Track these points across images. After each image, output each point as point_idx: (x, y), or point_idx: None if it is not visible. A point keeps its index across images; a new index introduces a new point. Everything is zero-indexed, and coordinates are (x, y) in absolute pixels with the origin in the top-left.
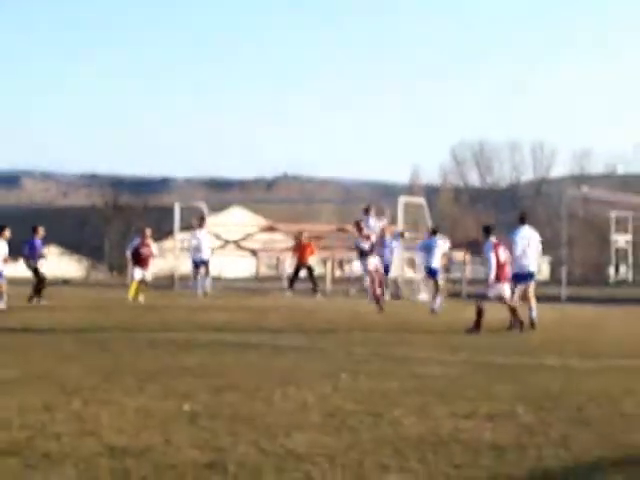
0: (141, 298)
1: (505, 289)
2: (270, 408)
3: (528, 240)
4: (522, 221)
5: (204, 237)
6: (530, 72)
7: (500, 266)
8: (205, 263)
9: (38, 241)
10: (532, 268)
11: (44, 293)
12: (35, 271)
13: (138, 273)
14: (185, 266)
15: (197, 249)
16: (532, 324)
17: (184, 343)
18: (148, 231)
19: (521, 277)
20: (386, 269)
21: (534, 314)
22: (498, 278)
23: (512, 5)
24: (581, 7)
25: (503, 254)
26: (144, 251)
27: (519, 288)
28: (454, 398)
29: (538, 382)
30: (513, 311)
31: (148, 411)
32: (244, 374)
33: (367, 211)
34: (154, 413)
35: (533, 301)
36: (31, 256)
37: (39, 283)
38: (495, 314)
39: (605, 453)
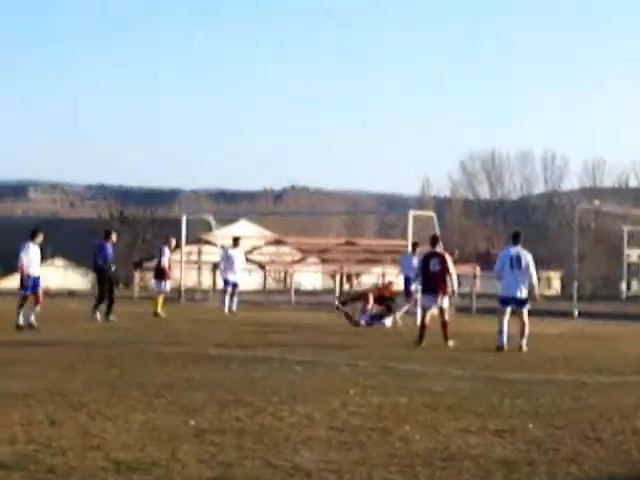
0: (161, 312)
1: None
2: (277, 423)
3: (511, 261)
4: (514, 240)
5: (238, 257)
6: (541, 82)
7: None
8: (235, 285)
9: (109, 246)
10: (517, 293)
11: (114, 309)
12: (101, 277)
13: (169, 286)
14: (192, 279)
15: (229, 268)
16: (519, 349)
17: (191, 357)
18: (173, 242)
19: (504, 301)
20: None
21: (524, 342)
22: None
23: (521, 17)
24: (593, 15)
25: None
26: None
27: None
28: (464, 413)
29: (548, 398)
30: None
31: (154, 426)
32: (251, 389)
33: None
34: (160, 428)
35: (525, 327)
36: (103, 259)
37: (107, 294)
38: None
39: (617, 470)
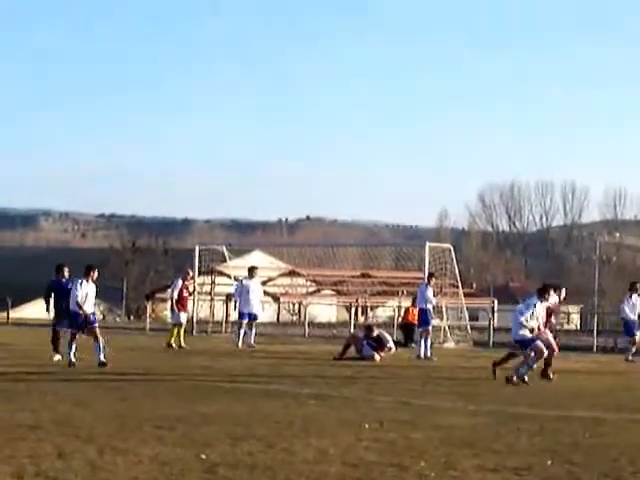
0: (183, 343)
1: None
2: (291, 458)
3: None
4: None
5: (254, 288)
6: (560, 113)
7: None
8: (253, 317)
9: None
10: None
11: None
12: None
13: (183, 317)
14: (204, 310)
15: (245, 300)
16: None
17: (203, 390)
18: (190, 272)
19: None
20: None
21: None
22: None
23: (546, 46)
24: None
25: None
26: (186, 294)
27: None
28: (480, 450)
29: (567, 434)
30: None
31: (165, 460)
32: (264, 423)
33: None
34: (171, 462)
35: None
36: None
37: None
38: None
39: None
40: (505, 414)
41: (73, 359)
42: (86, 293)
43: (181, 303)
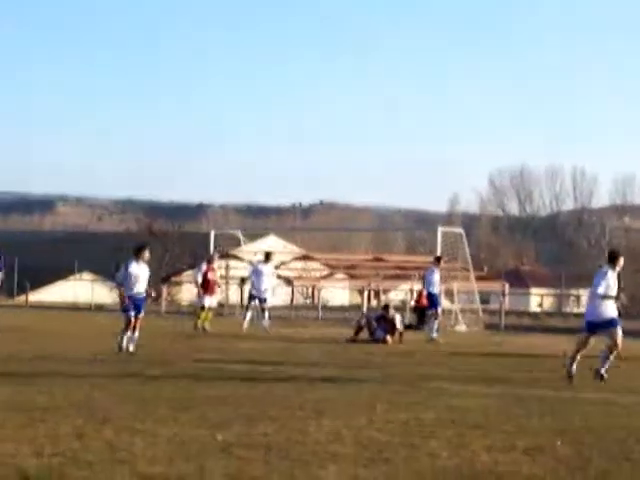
0: (208, 326)
1: None
2: (304, 438)
3: None
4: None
5: (268, 273)
6: (570, 96)
7: None
8: (262, 300)
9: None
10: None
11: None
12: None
13: (207, 300)
14: (220, 294)
15: (257, 284)
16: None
17: (219, 372)
18: (215, 256)
19: None
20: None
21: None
22: None
23: (555, 32)
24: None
25: None
26: (211, 277)
27: None
28: (491, 431)
29: (577, 416)
30: None
31: (182, 440)
32: (278, 404)
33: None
34: (188, 442)
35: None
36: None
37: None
38: (538, 345)
39: None
40: (516, 396)
41: (124, 344)
42: (136, 275)
43: (205, 286)
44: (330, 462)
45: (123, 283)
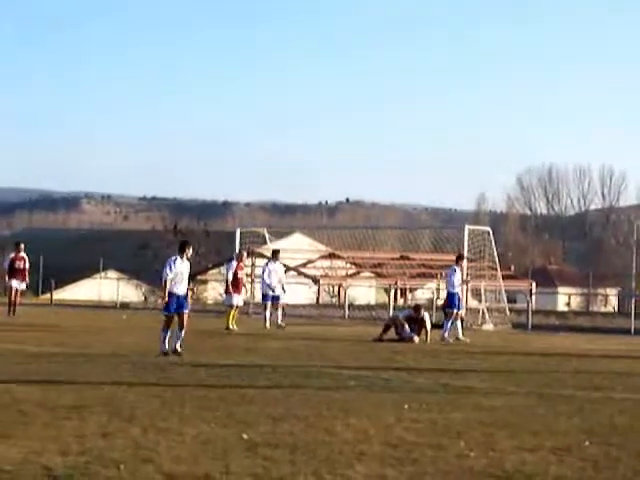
0: (235, 325)
1: None
2: (331, 438)
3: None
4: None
5: (278, 270)
6: (600, 96)
7: None
8: (277, 299)
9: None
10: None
11: None
12: None
13: (236, 299)
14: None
15: (269, 283)
16: None
17: (245, 371)
18: (245, 254)
19: None
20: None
21: None
22: None
23: (584, 27)
24: None
25: None
26: (240, 275)
27: None
28: (519, 431)
29: (605, 416)
30: None
31: (207, 439)
32: (304, 403)
33: None
34: (213, 441)
35: None
36: None
37: None
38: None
39: None
40: (544, 395)
41: (166, 347)
42: (180, 272)
43: (235, 284)
44: (357, 462)
45: (168, 280)
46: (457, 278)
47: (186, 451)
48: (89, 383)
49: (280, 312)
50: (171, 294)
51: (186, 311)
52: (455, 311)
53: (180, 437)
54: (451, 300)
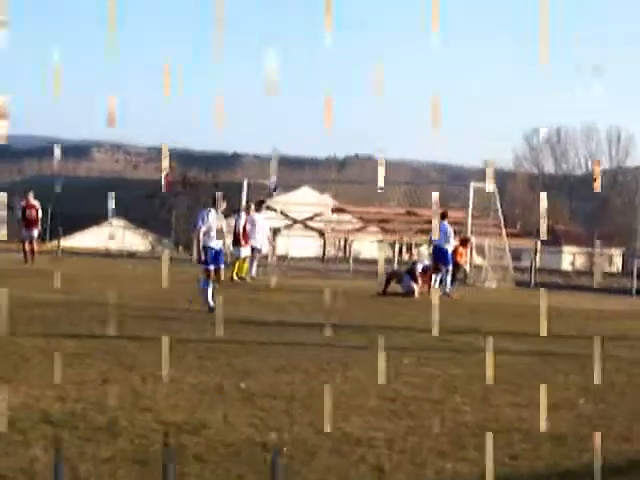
0: (247, 276)
1: None
2: (329, 390)
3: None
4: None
5: (261, 222)
6: (608, 55)
7: None
8: (255, 250)
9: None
10: None
11: None
12: None
13: (244, 251)
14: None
15: (252, 235)
16: None
17: (246, 322)
18: (252, 206)
19: None
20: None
21: None
22: None
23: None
24: None
25: None
26: (248, 227)
27: None
28: (517, 387)
29: (604, 374)
30: None
31: (205, 388)
32: (305, 355)
33: None
34: (211, 391)
35: None
36: None
37: None
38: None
39: None
40: (546, 353)
41: (212, 303)
42: (217, 225)
43: (244, 236)
44: (354, 415)
45: (201, 233)
46: (448, 233)
47: (184, 400)
48: (92, 330)
49: (255, 263)
50: (206, 247)
51: (222, 266)
52: (449, 267)
53: (179, 386)
54: (444, 256)
